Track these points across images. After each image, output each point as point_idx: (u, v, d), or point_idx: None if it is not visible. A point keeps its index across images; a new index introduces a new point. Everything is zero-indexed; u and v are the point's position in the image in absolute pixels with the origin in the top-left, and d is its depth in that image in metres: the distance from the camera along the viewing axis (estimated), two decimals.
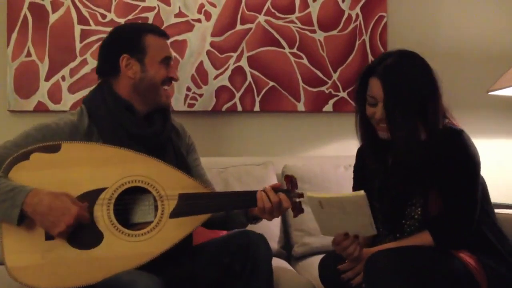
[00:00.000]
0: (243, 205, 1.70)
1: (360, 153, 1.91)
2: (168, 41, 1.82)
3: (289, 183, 1.68)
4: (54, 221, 1.49)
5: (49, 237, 1.54)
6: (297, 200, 1.67)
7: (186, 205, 1.61)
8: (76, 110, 1.75)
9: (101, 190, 1.58)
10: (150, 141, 1.70)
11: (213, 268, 1.65)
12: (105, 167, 1.60)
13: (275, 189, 1.65)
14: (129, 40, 1.75)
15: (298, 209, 1.67)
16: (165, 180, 1.62)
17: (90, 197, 1.57)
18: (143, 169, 1.62)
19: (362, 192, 1.48)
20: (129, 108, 1.72)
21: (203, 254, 1.68)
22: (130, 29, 1.81)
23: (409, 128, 1.63)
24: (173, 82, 1.83)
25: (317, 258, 1.88)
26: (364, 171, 1.85)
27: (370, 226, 1.56)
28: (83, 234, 1.54)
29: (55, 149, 1.59)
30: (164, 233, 1.58)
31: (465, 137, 1.64)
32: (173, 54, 2.62)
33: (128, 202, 1.62)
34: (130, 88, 1.74)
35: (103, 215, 1.57)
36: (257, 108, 2.70)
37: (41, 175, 1.57)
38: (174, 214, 1.60)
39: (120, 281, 1.47)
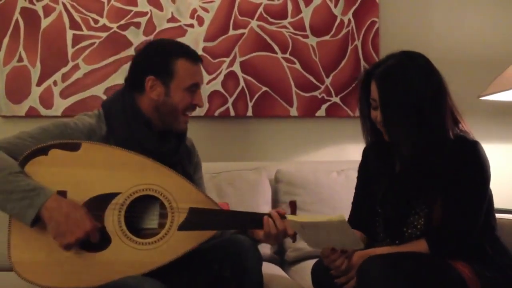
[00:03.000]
0: (250, 226, 1.70)
1: (365, 152, 1.89)
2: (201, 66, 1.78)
3: (294, 209, 1.69)
4: (67, 231, 1.49)
5: None
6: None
7: (195, 219, 1.61)
8: (93, 113, 1.74)
9: (115, 194, 1.58)
10: (162, 158, 1.68)
11: (203, 275, 1.64)
12: (122, 172, 1.60)
13: (281, 215, 1.65)
14: (159, 62, 1.71)
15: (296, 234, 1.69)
16: (178, 192, 1.62)
17: (103, 200, 1.57)
18: (158, 178, 1.61)
19: (341, 217, 1.47)
20: (147, 124, 1.71)
21: (193, 260, 1.67)
22: (163, 49, 1.74)
23: (404, 131, 1.61)
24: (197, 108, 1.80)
25: (310, 263, 1.87)
26: (369, 171, 1.83)
27: (355, 242, 1.55)
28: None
29: (75, 147, 1.58)
30: (170, 245, 1.58)
31: (480, 149, 1.62)
32: None
33: (137, 209, 1.62)
34: (152, 107, 1.72)
35: (114, 220, 1.57)
36: (250, 113, 2.70)
37: (58, 172, 1.57)
38: (183, 227, 1.60)
39: (125, 284, 1.47)
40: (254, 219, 1.66)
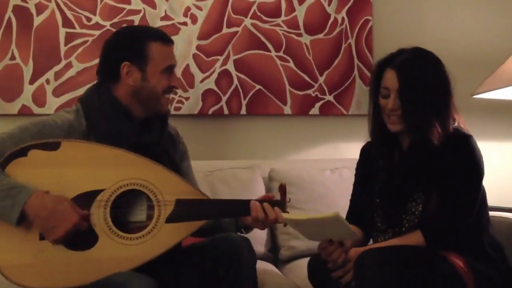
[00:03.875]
0: (238, 213, 1.69)
1: (364, 151, 1.93)
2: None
3: (283, 194, 1.69)
4: (54, 226, 1.48)
5: (43, 237, 1.52)
6: (287, 210, 1.68)
7: (183, 211, 1.60)
8: (71, 109, 1.71)
9: (99, 191, 1.57)
10: (146, 149, 1.66)
11: (197, 273, 1.63)
12: (104, 168, 1.58)
13: (270, 201, 1.65)
14: (131, 47, 1.69)
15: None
16: (163, 185, 1.61)
17: (88, 197, 1.56)
18: (142, 172, 1.60)
19: (335, 213, 1.48)
20: (127, 114, 1.69)
21: (186, 258, 1.67)
22: (134, 34, 1.73)
23: (421, 118, 1.66)
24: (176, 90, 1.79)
25: (304, 261, 1.88)
26: (367, 168, 1.87)
27: (351, 235, 1.58)
28: (78, 235, 1.52)
29: (54, 146, 1.56)
30: (158, 238, 1.57)
31: (473, 143, 1.68)
32: None
33: (124, 205, 1.60)
34: (129, 94, 1.70)
35: (99, 217, 1.55)
36: (243, 111, 2.70)
37: (39, 173, 1.55)
38: (170, 219, 1.59)
39: (114, 281, 1.46)
40: (241, 207, 1.65)
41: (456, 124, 1.73)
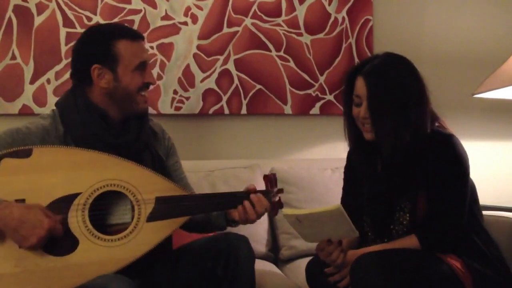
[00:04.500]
0: (220, 207, 1.68)
1: (350, 155, 1.91)
2: (145, 42, 1.72)
3: (268, 183, 1.68)
4: (25, 235, 1.45)
5: None
6: (277, 199, 1.67)
7: (163, 208, 1.58)
8: (47, 114, 1.69)
9: (75, 195, 1.54)
10: (125, 149, 1.65)
11: (195, 272, 1.63)
12: (79, 172, 1.56)
13: (252, 191, 1.64)
14: (99, 49, 1.64)
15: (277, 207, 1.67)
16: (141, 184, 1.59)
17: (64, 203, 1.53)
18: (118, 172, 1.58)
19: (337, 205, 1.49)
20: (103, 116, 1.66)
21: (184, 258, 1.67)
22: (100, 35, 1.68)
23: (391, 126, 1.64)
24: (151, 86, 1.75)
25: (304, 261, 1.88)
26: (354, 173, 1.86)
27: (351, 231, 1.57)
28: (58, 241, 1.50)
29: (26, 154, 1.53)
30: (141, 237, 1.55)
31: (455, 141, 1.66)
32: (160, 57, 2.61)
33: (104, 207, 1.58)
34: (104, 96, 1.67)
35: (78, 220, 1.53)
36: (244, 111, 2.70)
37: (12, 181, 1.52)
38: (151, 217, 1.57)
39: (94, 285, 1.45)
40: (225, 200, 1.64)
41: (436, 125, 1.71)
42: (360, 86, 1.68)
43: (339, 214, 1.50)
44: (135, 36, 1.69)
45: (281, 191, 1.68)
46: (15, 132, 1.60)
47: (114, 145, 1.64)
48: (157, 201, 1.58)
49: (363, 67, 1.70)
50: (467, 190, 1.66)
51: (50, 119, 1.66)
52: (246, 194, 1.65)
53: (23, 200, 1.51)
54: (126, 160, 1.60)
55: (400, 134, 1.65)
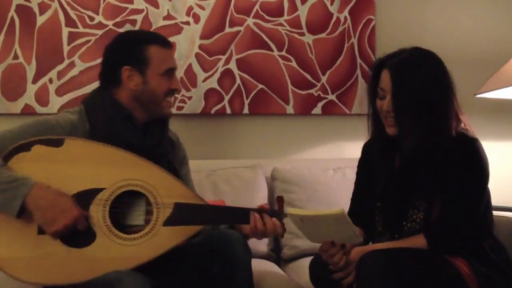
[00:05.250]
0: (236, 221, 1.70)
1: (365, 148, 1.90)
2: (174, 50, 1.81)
3: (281, 204, 1.69)
4: (54, 218, 1.49)
5: (41, 231, 1.53)
6: (284, 221, 1.69)
7: (181, 214, 1.60)
8: (74, 109, 1.73)
9: (99, 190, 1.58)
10: (146, 152, 1.67)
11: (192, 270, 1.64)
12: (106, 167, 1.59)
13: (268, 211, 1.66)
14: (131, 51, 1.72)
15: (284, 230, 1.69)
16: (163, 188, 1.61)
17: (88, 195, 1.57)
18: (143, 174, 1.61)
19: (341, 210, 1.48)
20: (129, 117, 1.71)
21: (181, 256, 1.67)
22: (133, 39, 1.76)
23: (414, 123, 1.62)
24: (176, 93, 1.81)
25: (307, 260, 1.88)
26: (369, 167, 1.84)
27: (354, 237, 1.57)
28: (75, 233, 1.53)
29: (57, 143, 1.58)
30: (155, 240, 1.57)
31: (478, 146, 1.64)
32: None
33: (123, 205, 1.61)
34: (131, 98, 1.72)
35: (98, 215, 1.56)
36: (246, 111, 2.70)
37: (41, 168, 1.56)
38: (168, 222, 1.59)
39: (106, 279, 1.46)
40: (240, 215, 1.66)
41: (462, 126, 1.69)
42: (385, 79, 1.66)
43: (342, 218, 1.49)
44: (166, 43, 1.77)
45: (286, 216, 1.69)
46: (44, 123, 1.64)
47: (137, 147, 1.66)
48: (175, 207, 1.60)
49: (389, 60, 1.68)
50: (483, 196, 1.64)
51: (77, 115, 1.70)
52: (260, 211, 1.66)
53: (48, 186, 1.54)
54: (150, 162, 1.63)
55: (422, 132, 1.62)
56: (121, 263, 1.53)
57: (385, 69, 1.67)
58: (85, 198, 1.56)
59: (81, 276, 1.51)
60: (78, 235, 1.53)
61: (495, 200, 1.75)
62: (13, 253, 1.52)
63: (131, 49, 1.72)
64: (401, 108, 1.63)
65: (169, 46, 1.78)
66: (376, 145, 1.79)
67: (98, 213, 1.56)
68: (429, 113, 1.62)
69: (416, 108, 1.62)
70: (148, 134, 1.74)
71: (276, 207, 1.70)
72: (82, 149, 1.60)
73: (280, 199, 1.70)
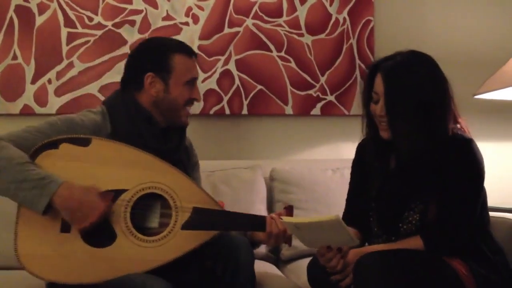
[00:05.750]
0: (253, 227, 1.71)
1: (360, 148, 1.89)
2: (197, 61, 1.81)
3: (289, 214, 1.70)
4: (82, 217, 1.51)
5: (64, 229, 1.54)
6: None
7: (199, 219, 1.62)
8: (97, 110, 1.75)
9: (123, 191, 1.59)
10: (165, 156, 1.69)
11: (195, 271, 1.64)
12: (129, 169, 1.62)
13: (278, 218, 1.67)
14: (156, 58, 1.73)
15: (291, 237, 1.71)
16: (182, 191, 1.63)
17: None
18: (164, 177, 1.63)
19: (336, 216, 1.48)
20: (149, 119, 1.73)
21: (184, 258, 1.66)
22: (159, 46, 1.77)
23: (408, 128, 1.61)
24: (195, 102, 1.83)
25: (305, 261, 1.87)
26: (364, 168, 1.83)
27: (350, 240, 1.56)
28: (97, 232, 1.54)
29: (85, 142, 1.61)
30: (173, 243, 1.59)
31: (474, 147, 1.63)
32: None
33: (141, 207, 1.63)
34: (151, 104, 1.74)
35: (120, 216, 1.58)
36: (245, 111, 2.70)
37: (68, 166, 1.58)
38: (186, 226, 1.60)
39: (131, 282, 1.48)
40: (256, 222, 1.68)
41: (458, 126, 1.69)
42: (379, 83, 1.66)
43: (337, 224, 1.49)
44: (191, 53, 1.78)
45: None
46: (70, 121, 1.66)
47: (157, 150, 1.68)
48: (194, 211, 1.62)
49: (384, 64, 1.67)
50: (479, 197, 1.64)
51: (100, 115, 1.72)
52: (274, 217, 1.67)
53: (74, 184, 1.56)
54: (171, 166, 1.65)
55: (417, 137, 1.61)
56: (139, 265, 1.55)
57: (379, 73, 1.66)
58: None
59: (101, 276, 1.53)
60: (100, 235, 1.55)
61: (492, 201, 1.75)
62: (36, 250, 1.53)
63: (156, 56, 1.74)
64: (393, 112, 1.62)
65: (194, 56, 1.79)
66: (371, 147, 1.79)
67: (120, 213, 1.58)
68: (425, 117, 1.61)
69: (410, 112, 1.61)
70: (167, 138, 1.76)
71: (284, 214, 1.71)
72: (108, 150, 1.62)
73: (290, 208, 1.72)
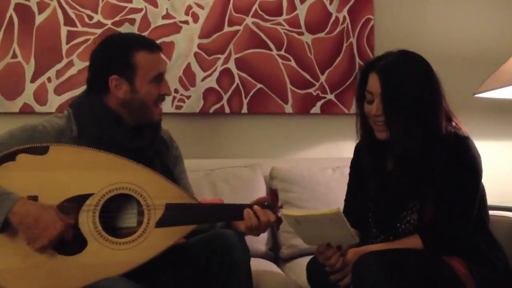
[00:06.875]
0: (229, 217, 1.69)
1: (358, 149, 1.89)
2: (162, 53, 1.73)
3: (275, 197, 1.68)
4: (38, 234, 1.46)
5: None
6: (279, 214, 1.67)
7: (172, 215, 1.58)
8: (63, 114, 1.70)
9: (88, 195, 1.55)
10: (138, 154, 1.65)
11: (190, 269, 1.63)
12: (93, 172, 1.57)
13: (262, 204, 1.64)
14: (118, 59, 1.65)
15: (279, 222, 1.68)
16: (153, 189, 1.59)
17: (76, 202, 1.54)
18: (131, 176, 1.59)
19: (336, 209, 1.48)
20: (118, 120, 1.67)
21: (179, 256, 1.66)
22: (119, 45, 1.68)
23: (405, 125, 1.61)
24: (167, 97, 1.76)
25: (305, 260, 1.88)
26: (361, 168, 1.83)
27: (350, 237, 1.56)
28: (67, 240, 1.51)
29: (42, 151, 1.55)
30: (148, 242, 1.56)
31: (470, 144, 1.63)
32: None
33: (113, 209, 1.59)
34: (119, 104, 1.68)
35: (88, 221, 1.53)
36: (244, 110, 2.70)
37: (27, 177, 1.53)
38: (160, 223, 1.58)
39: (99, 287, 1.45)
40: (234, 212, 1.64)
41: (453, 125, 1.69)
42: (373, 82, 1.65)
43: (337, 217, 1.49)
44: (154, 47, 1.69)
45: (281, 207, 1.68)
46: (31, 130, 1.61)
47: (128, 149, 1.64)
48: (166, 208, 1.59)
49: (377, 63, 1.67)
50: (477, 194, 1.64)
51: (65, 119, 1.67)
52: (253, 205, 1.64)
53: (35, 197, 1.52)
54: (139, 164, 1.61)
55: (414, 134, 1.61)
56: (114, 268, 1.52)
57: (373, 72, 1.66)
58: (73, 204, 1.54)
59: (75, 283, 1.49)
60: (69, 243, 1.51)
61: (492, 200, 1.75)
62: (5, 263, 1.49)
63: (118, 56, 1.66)
64: (390, 111, 1.62)
65: (157, 49, 1.70)
66: (366, 149, 1.78)
67: (88, 219, 1.53)
68: (419, 115, 1.61)
69: (406, 110, 1.61)
70: (138, 136, 1.70)
71: (270, 200, 1.68)
72: (68, 155, 1.57)
73: (274, 192, 1.69)
